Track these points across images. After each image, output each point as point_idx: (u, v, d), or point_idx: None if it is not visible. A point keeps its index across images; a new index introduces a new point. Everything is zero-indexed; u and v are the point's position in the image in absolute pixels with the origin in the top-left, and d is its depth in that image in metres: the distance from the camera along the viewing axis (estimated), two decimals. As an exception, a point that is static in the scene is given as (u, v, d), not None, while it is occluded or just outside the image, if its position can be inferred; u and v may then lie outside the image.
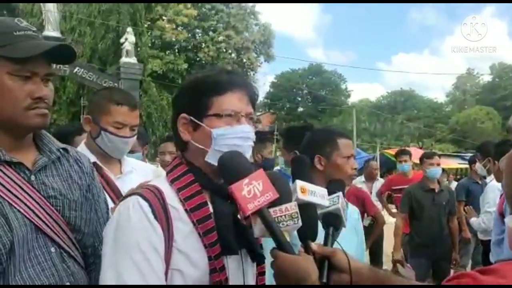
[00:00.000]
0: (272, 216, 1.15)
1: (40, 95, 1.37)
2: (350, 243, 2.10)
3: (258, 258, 1.33)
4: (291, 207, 1.18)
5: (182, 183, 1.26)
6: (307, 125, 3.46)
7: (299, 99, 49.41)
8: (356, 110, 33.29)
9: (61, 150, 1.53)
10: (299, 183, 1.28)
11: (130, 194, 1.23)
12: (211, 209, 1.24)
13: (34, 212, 1.36)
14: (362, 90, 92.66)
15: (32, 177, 1.41)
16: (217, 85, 1.28)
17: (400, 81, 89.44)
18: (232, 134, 1.26)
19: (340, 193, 1.41)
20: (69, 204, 1.46)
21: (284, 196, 1.19)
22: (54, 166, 1.50)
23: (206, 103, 1.26)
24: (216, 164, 1.22)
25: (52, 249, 1.39)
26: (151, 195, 1.20)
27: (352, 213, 2.22)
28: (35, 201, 1.38)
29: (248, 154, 1.31)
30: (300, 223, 1.18)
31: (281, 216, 1.16)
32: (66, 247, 1.42)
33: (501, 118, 38.48)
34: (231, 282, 1.23)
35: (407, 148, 8.31)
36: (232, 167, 1.17)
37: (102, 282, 1.16)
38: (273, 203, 1.16)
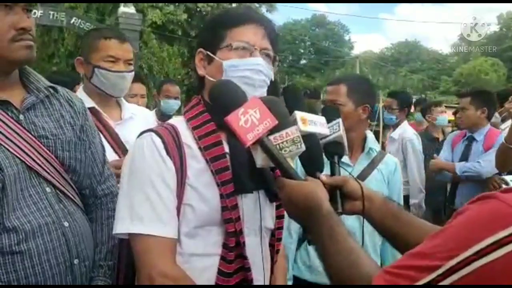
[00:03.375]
0: (273, 143, 1.10)
1: (24, 26, 1.31)
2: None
3: (276, 199, 1.29)
4: (292, 132, 1.12)
5: (197, 122, 1.26)
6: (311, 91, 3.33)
7: (302, 51, 48.63)
8: (359, 62, 32.82)
9: (50, 89, 1.47)
10: (299, 113, 1.19)
11: (146, 130, 1.24)
12: (226, 149, 1.23)
13: (24, 151, 1.32)
14: (365, 42, 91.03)
15: (21, 116, 1.37)
16: (232, 17, 1.29)
17: (405, 33, 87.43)
18: (242, 66, 1.22)
19: (340, 120, 1.32)
20: (61, 144, 1.42)
21: (283, 121, 1.13)
22: (43, 106, 1.44)
23: (220, 35, 1.26)
24: None
25: (48, 189, 1.36)
26: (165, 132, 1.21)
27: (388, 164, 2.18)
28: (25, 140, 1.34)
29: (262, 90, 1.26)
30: (303, 147, 1.13)
31: (282, 142, 1.11)
32: (62, 187, 1.40)
33: (507, 70, 37.94)
34: (246, 222, 1.24)
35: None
36: (226, 97, 1.13)
37: (117, 214, 1.20)
38: (273, 130, 1.11)
